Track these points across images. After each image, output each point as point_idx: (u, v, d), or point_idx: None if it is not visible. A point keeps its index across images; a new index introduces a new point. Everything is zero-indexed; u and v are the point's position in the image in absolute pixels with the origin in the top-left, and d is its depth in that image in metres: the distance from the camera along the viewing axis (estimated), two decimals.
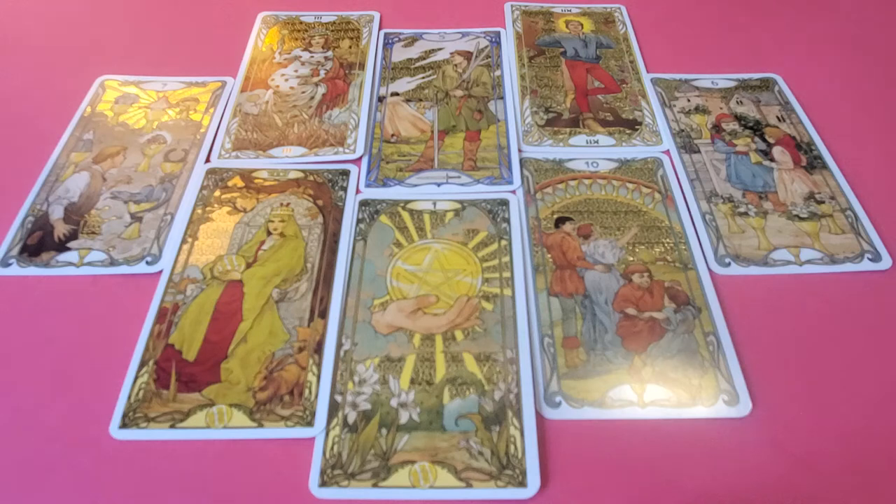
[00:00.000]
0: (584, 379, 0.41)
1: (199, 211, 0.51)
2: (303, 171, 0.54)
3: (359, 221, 0.50)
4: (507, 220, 0.50)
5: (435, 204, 0.51)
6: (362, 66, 0.64)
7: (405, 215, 0.50)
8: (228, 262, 0.47)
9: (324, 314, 0.44)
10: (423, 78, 0.63)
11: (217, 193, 0.52)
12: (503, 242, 0.48)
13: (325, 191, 0.52)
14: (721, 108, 0.60)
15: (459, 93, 0.61)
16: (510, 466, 0.37)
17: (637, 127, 0.58)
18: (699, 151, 0.56)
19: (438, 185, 0.53)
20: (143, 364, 0.41)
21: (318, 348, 0.42)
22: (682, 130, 0.58)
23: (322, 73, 0.64)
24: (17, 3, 0.73)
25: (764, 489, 0.37)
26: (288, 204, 0.51)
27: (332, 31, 0.69)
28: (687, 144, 0.56)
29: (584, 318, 0.44)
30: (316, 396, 0.40)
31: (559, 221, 0.50)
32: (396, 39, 0.68)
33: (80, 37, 0.68)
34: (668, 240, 0.49)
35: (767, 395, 0.40)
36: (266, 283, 0.46)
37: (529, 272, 0.47)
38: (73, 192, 0.52)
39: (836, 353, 0.43)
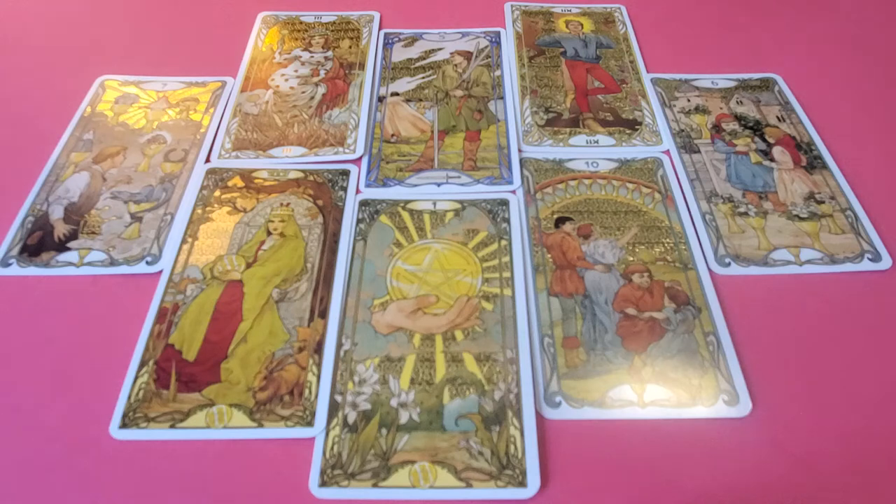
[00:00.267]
0: (584, 379, 0.41)
1: (199, 211, 0.51)
2: (303, 171, 0.54)
3: (359, 221, 0.50)
4: (507, 220, 0.50)
5: (435, 204, 0.51)
6: (362, 66, 0.64)
7: (405, 215, 0.50)
8: (228, 262, 0.47)
9: (324, 314, 0.44)
10: (423, 78, 0.63)
11: (217, 193, 0.52)
12: (503, 242, 0.48)
13: (325, 191, 0.52)
14: (721, 108, 0.60)
15: (459, 93, 0.61)
16: (510, 466, 0.37)
17: (637, 127, 0.58)
18: (699, 151, 0.56)
19: (438, 185, 0.53)
20: (143, 364, 0.41)
21: (318, 348, 0.42)
22: (682, 130, 0.58)
23: (322, 73, 0.64)
24: (17, 3, 0.73)
25: (764, 489, 0.37)
26: (288, 204, 0.51)
27: (332, 31, 0.69)
28: (687, 144, 0.56)
29: (584, 318, 0.44)
30: (316, 396, 0.40)
31: (559, 221, 0.50)
32: (396, 39, 0.68)
33: (80, 37, 0.68)
34: (668, 240, 0.49)
35: (767, 395, 0.40)
36: (266, 283, 0.46)
37: (529, 272, 0.47)
38: (73, 192, 0.52)
39: (836, 353, 0.43)
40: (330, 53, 0.66)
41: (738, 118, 0.59)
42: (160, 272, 0.47)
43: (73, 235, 0.49)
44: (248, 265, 0.47)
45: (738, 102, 0.61)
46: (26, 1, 0.73)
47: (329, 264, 0.47)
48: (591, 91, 0.62)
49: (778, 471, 0.37)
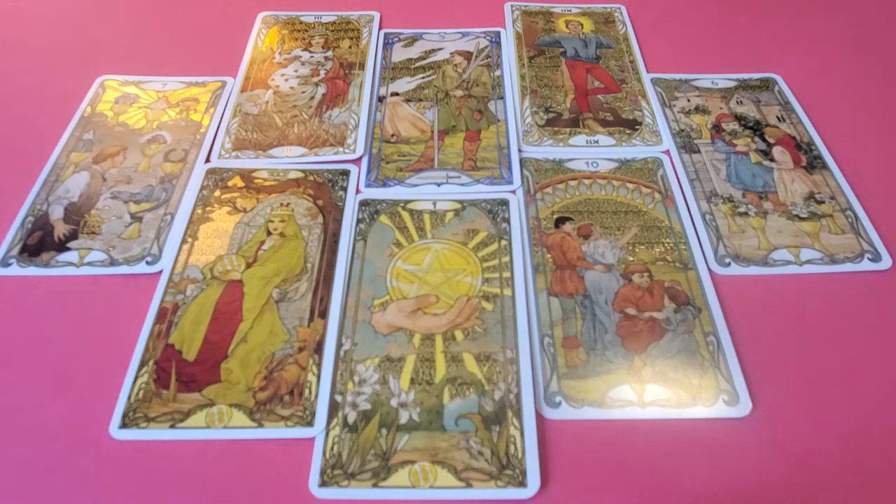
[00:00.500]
0: (584, 379, 0.41)
1: (199, 211, 0.51)
2: (303, 171, 0.54)
3: (359, 221, 0.50)
4: (507, 220, 0.50)
5: (435, 204, 0.51)
6: (362, 66, 0.64)
7: (405, 215, 0.50)
8: (228, 262, 0.47)
9: (324, 314, 0.44)
10: (423, 78, 0.63)
11: (217, 193, 0.52)
12: (503, 242, 0.48)
13: (325, 191, 0.52)
14: (721, 108, 0.60)
15: (459, 93, 0.61)
16: (510, 466, 0.37)
17: (637, 127, 0.58)
18: (699, 151, 0.56)
19: (438, 185, 0.53)
20: (143, 364, 0.41)
21: (318, 348, 0.42)
22: (682, 130, 0.58)
23: (322, 73, 0.64)
24: (17, 3, 0.73)
25: (764, 489, 0.37)
26: (288, 204, 0.51)
27: (332, 31, 0.69)
28: (687, 144, 0.56)
29: (584, 318, 0.44)
30: (316, 396, 0.40)
31: (559, 221, 0.50)
32: (396, 39, 0.68)
33: (80, 37, 0.68)
34: (668, 240, 0.49)
35: (767, 395, 0.40)
36: (266, 283, 0.46)
37: (529, 272, 0.47)
38: (73, 192, 0.52)
39: (836, 353, 0.43)
40: (330, 53, 0.66)
41: (738, 118, 0.59)
42: (160, 272, 0.47)
43: (73, 235, 0.49)
44: (248, 265, 0.47)
45: (738, 102, 0.61)
46: (26, 1, 0.73)
47: (329, 264, 0.47)
48: (591, 91, 0.62)
49: (778, 471, 0.37)
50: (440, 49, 0.66)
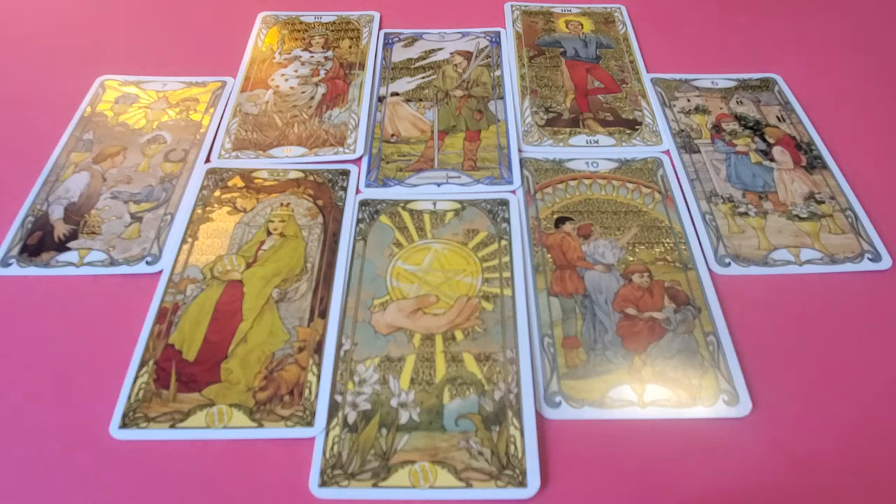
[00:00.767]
0: (584, 379, 0.41)
1: (199, 211, 0.51)
2: (303, 171, 0.54)
3: (359, 221, 0.50)
4: (507, 220, 0.50)
5: (435, 204, 0.51)
6: (362, 66, 0.64)
7: (405, 215, 0.50)
8: (228, 262, 0.47)
9: (324, 314, 0.44)
10: (423, 78, 0.63)
11: (217, 193, 0.52)
12: (503, 242, 0.48)
13: (325, 191, 0.52)
14: (721, 108, 0.60)
15: (459, 93, 0.61)
16: (510, 466, 0.37)
17: (637, 127, 0.58)
18: (699, 151, 0.56)
19: (438, 185, 0.53)
20: (143, 364, 0.41)
21: (318, 348, 0.42)
22: (682, 130, 0.58)
23: (322, 73, 0.64)
24: (17, 3, 0.73)
25: (764, 489, 0.37)
26: (288, 204, 0.51)
27: (332, 31, 0.69)
28: (687, 144, 0.56)
29: (584, 318, 0.44)
30: (316, 396, 0.40)
31: (559, 221, 0.50)
32: (396, 39, 0.68)
33: (80, 37, 0.68)
34: (668, 240, 0.49)
35: (767, 395, 0.40)
36: (266, 283, 0.46)
37: (529, 272, 0.47)
38: (73, 192, 0.52)
39: (836, 353, 0.43)
40: (330, 53, 0.66)
41: (738, 118, 0.59)
42: (160, 272, 0.47)
43: (73, 235, 0.49)
44: (248, 265, 0.47)
45: (738, 102, 0.61)
46: (26, 1, 0.73)
47: (329, 264, 0.47)
48: (591, 91, 0.62)
49: (778, 471, 0.37)
50: (440, 49, 0.66)
